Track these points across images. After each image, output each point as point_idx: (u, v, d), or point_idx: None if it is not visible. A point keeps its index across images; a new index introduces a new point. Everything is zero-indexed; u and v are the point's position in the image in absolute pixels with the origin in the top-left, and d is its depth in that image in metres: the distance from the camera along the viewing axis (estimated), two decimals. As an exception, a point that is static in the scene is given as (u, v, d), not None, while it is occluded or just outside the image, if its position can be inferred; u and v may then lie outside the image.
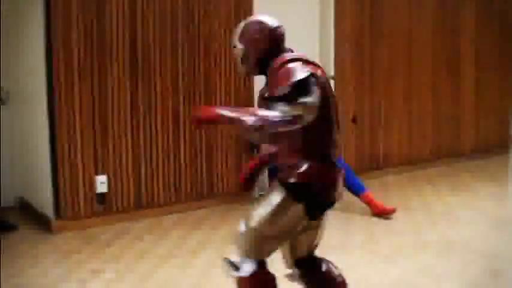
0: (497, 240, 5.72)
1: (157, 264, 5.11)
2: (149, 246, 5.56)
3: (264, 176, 7.05)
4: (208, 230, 6.04)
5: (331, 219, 3.61)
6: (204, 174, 6.81)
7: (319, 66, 3.23)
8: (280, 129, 2.99)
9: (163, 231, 5.98)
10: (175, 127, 6.55)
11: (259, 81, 7.03)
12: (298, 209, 3.17)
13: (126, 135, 6.24)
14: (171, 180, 6.58)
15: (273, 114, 2.98)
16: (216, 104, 6.68)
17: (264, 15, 3.40)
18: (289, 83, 3.04)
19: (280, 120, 2.95)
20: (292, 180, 3.18)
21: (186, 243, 5.64)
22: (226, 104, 6.78)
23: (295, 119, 2.98)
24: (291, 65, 3.13)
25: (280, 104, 3.02)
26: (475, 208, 6.71)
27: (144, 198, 6.43)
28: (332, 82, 7.75)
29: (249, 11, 6.85)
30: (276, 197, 3.23)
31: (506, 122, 9.81)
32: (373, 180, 7.68)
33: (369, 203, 6.46)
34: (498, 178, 8.27)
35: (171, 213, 6.50)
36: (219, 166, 6.90)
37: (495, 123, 9.70)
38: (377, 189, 6.97)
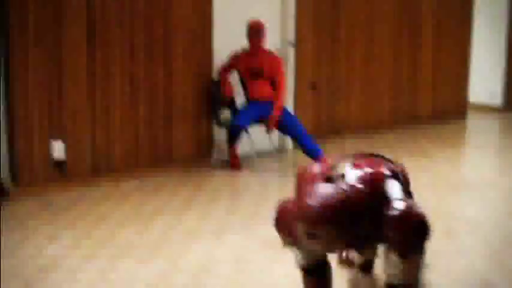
0: (453, 203, 5.81)
1: (115, 230, 5.09)
2: (107, 212, 5.53)
3: (223, 140, 7.07)
4: (166, 195, 6.02)
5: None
6: (162, 140, 6.78)
7: None
8: None
9: (121, 197, 5.95)
10: (133, 92, 6.49)
11: (218, 46, 7.03)
12: None
13: (82, 100, 6.17)
14: (129, 146, 6.54)
15: None
16: (174, 69, 6.66)
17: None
18: None
19: None
20: None
21: (144, 209, 5.63)
22: (184, 69, 6.76)
23: None
24: None
25: None
26: (431, 171, 6.81)
27: (102, 164, 6.38)
28: (292, 49, 7.77)
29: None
30: None
31: (464, 89, 9.91)
32: (332, 145, 7.72)
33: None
34: (455, 144, 8.39)
35: (129, 179, 6.46)
36: (178, 131, 6.87)
37: (453, 90, 9.80)
38: (335, 153, 6.99)
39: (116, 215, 5.45)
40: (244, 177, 6.78)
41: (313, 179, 3.03)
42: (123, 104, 6.44)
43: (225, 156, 7.09)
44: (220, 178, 6.66)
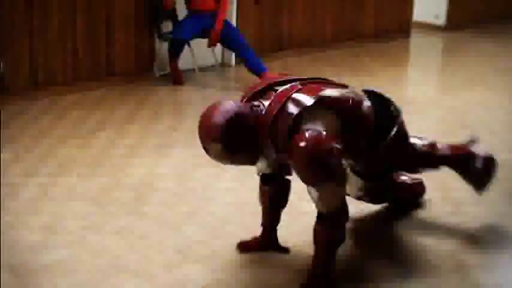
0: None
1: (56, 145, 5.04)
2: (47, 127, 5.46)
3: (165, 54, 6.97)
4: (107, 110, 5.96)
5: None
6: (103, 53, 6.64)
7: None
8: None
9: (61, 112, 5.86)
10: (72, 2, 6.30)
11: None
12: None
13: (20, 12, 5.97)
14: (69, 59, 6.39)
15: None
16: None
17: None
18: None
19: None
20: None
21: (85, 124, 5.57)
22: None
23: None
24: None
25: None
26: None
27: (41, 78, 6.25)
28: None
29: None
30: None
31: (408, 7, 9.89)
32: (275, 61, 7.68)
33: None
34: (398, 62, 8.45)
35: (69, 93, 6.34)
36: (119, 44, 6.74)
37: (397, 8, 9.77)
38: (278, 69, 6.97)
39: (57, 130, 5.38)
40: (187, 92, 6.74)
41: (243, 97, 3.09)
42: (62, 15, 6.25)
43: (167, 70, 7.01)
44: (163, 93, 6.60)
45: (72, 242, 3.54)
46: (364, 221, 3.87)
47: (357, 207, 3.79)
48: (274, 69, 6.87)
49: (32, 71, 6.17)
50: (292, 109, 2.91)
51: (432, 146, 3.73)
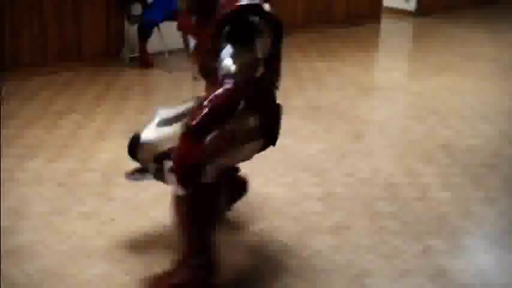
0: (363, 106, 5.93)
1: (23, 126, 4.99)
2: (14, 109, 5.39)
3: (134, 36, 6.90)
4: (75, 93, 5.90)
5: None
6: (72, 34, 6.57)
7: None
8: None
9: (29, 94, 5.80)
10: (40, -16, 6.24)
11: None
12: None
13: (-14, -9, 5.89)
14: (37, 40, 6.31)
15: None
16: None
17: None
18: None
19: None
20: None
21: (53, 107, 5.51)
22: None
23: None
24: None
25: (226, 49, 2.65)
26: (343, 74, 6.89)
27: (8, 59, 6.16)
28: None
29: None
30: None
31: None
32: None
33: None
34: (367, 47, 8.47)
35: (36, 75, 6.27)
36: (87, 26, 6.66)
37: (367, -8, 9.81)
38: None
39: (24, 112, 5.32)
40: (156, 76, 6.70)
41: None
42: (30, -3, 6.18)
43: (136, 53, 6.95)
44: (131, 76, 6.55)
45: (39, 227, 3.50)
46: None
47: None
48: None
49: (-2, 53, 6.09)
50: None
51: None
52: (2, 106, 5.28)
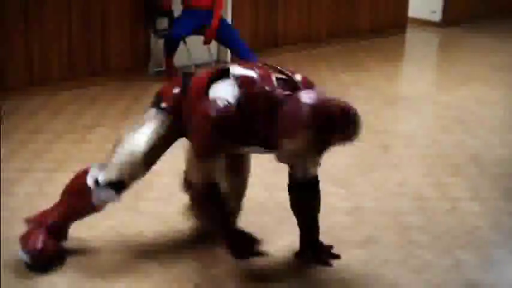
0: (390, 117, 5.90)
1: (51, 141, 5.03)
2: (43, 122, 5.44)
3: (160, 51, 6.94)
4: (103, 106, 5.95)
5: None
6: (98, 49, 6.62)
7: None
8: None
9: (57, 108, 5.85)
10: (66, 0, 6.29)
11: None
12: None
13: (14, 10, 5.95)
14: (64, 56, 6.37)
15: None
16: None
17: None
18: None
19: None
20: None
21: (81, 120, 5.56)
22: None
23: None
24: None
25: None
26: (369, 86, 6.86)
27: (37, 75, 6.22)
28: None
29: None
30: None
31: (404, 3, 9.89)
32: (270, 58, 7.65)
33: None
34: (392, 58, 8.43)
35: (65, 90, 6.32)
36: (114, 42, 6.72)
37: (393, 3, 9.77)
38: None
39: (53, 127, 5.37)
40: (183, 89, 6.71)
41: None
42: (57, 12, 6.23)
43: (162, 67, 6.99)
44: (157, 89, 6.57)
45: (67, 241, 3.52)
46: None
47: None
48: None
49: (28, 68, 6.14)
50: None
51: None
52: (2, 124, 5.27)
